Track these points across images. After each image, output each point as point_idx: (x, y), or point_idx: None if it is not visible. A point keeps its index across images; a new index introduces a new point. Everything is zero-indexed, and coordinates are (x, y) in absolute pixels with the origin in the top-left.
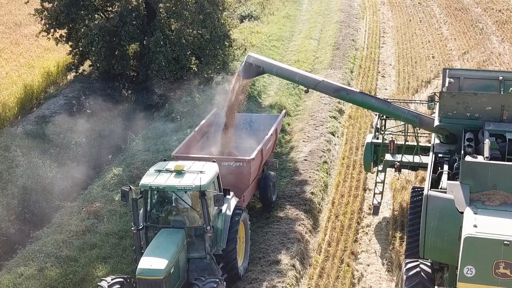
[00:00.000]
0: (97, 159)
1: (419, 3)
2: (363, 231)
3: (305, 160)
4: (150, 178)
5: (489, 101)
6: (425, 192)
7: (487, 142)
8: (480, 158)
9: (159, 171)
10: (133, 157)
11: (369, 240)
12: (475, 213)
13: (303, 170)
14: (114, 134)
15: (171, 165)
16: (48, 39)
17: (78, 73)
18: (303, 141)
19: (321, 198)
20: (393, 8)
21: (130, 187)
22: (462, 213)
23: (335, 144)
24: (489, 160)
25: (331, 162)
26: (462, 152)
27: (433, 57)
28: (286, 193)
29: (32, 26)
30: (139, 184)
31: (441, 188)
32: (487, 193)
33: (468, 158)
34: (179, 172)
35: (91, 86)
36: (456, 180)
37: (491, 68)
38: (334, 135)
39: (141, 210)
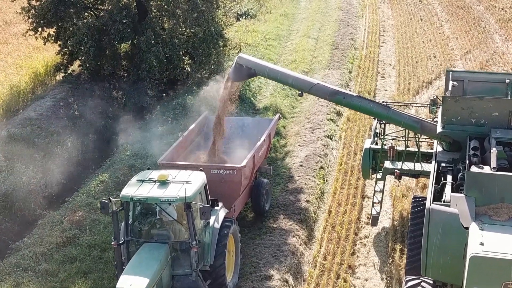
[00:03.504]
0: (84, 164)
1: (420, 1)
2: (361, 243)
3: (301, 166)
4: (132, 189)
5: (496, 107)
6: (427, 205)
7: (494, 151)
8: (486, 169)
9: (142, 181)
10: (120, 162)
11: (368, 253)
12: (482, 229)
13: (298, 176)
14: (102, 138)
15: (155, 174)
16: (36, 39)
17: (67, 74)
18: (299, 145)
19: (317, 207)
20: (393, 6)
21: (110, 199)
22: (467, 228)
23: (332, 149)
24: (496, 170)
25: (328, 167)
26: (467, 161)
27: (434, 56)
28: (280, 201)
29: (22, 25)
30: (120, 196)
31: (444, 201)
32: (494, 206)
33: (473, 169)
34: (163, 182)
35: (80, 87)
36: (461, 192)
37: (495, 68)
38: (331, 139)
39: (123, 223)
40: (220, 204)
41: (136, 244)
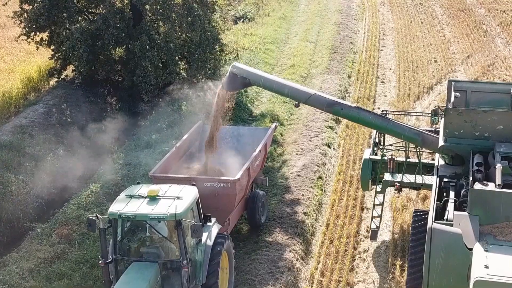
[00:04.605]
0: (77, 173)
1: (420, 3)
2: (360, 257)
3: (298, 175)
4: (120, 205)
5: (501, 119)
6: (429, 224)
7: (498, 166)
8: (491, 186)
9: (131, 196)
10: (113, 171)
11: (367, 268)
12: (486, 250)
13: (295, 187)
14: (95, 145)
15: (145, 189)
16: (28, 43)
17: (60, 79)
18: (297, 154)
19: (315, 219)
20: (394, 8)
21: (97, 216)
22: (471, 249)
23: (330, 157)
24: (502, 188)
25: (326, 177)
26: (471, 178)
27: (435, 61)
28: (276, 213)
29: (16, 29)
30: (107, 212)
31: (446, 220)
32: (499, 226)
33: (477, 186)
34: (153, 198)
35: (73, 93)
36: (464, 210)
37: (497, 72)
38: (329, 147)
39: (111, 240)
40: (213, 219)
41: (124, 262)
